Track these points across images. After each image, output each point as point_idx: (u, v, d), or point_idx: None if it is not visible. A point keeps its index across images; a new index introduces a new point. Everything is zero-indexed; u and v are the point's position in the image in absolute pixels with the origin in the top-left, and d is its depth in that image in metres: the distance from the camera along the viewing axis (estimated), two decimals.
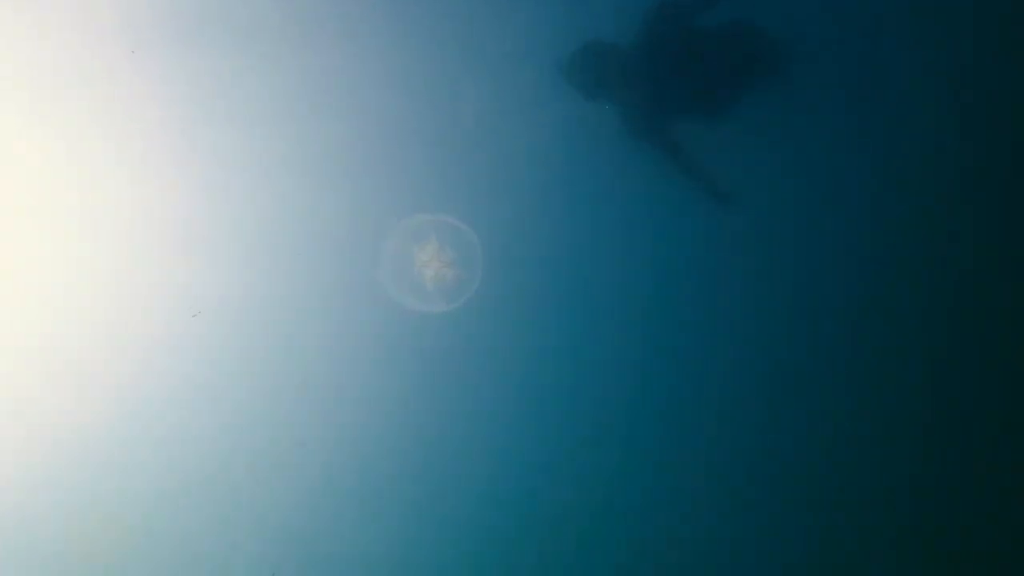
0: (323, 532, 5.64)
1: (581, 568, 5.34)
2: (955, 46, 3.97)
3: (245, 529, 5.62)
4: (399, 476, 5.44)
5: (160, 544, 5.58)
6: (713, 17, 3.53)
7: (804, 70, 3.85)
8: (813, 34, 3.78)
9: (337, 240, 4.79)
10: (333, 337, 5.08)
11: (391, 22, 4.36)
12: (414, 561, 5.59)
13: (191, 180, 4.75)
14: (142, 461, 5.38)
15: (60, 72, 4.44)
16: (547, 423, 5.14)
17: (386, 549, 5.56)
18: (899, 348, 4.42)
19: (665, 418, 4.97)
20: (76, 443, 5.31)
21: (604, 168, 4.31)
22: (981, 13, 3.89)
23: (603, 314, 4.83)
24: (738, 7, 3.57)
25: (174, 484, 5.48)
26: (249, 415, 5.36)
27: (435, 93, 4.45)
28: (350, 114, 4.61)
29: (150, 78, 4.53)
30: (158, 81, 4.54)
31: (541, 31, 3.86)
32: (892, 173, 4.20)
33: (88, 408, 5.22)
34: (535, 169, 4.43)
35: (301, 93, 4.59)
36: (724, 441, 4.83)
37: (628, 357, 4.87)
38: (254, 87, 4.60)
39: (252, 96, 4.60)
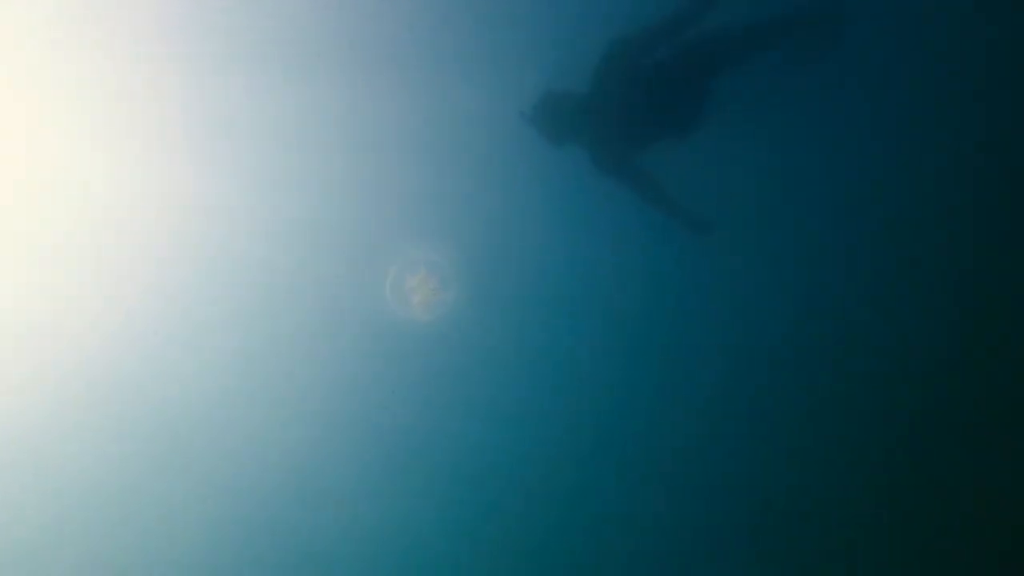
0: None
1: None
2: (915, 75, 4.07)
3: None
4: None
5: None
6: (662, 52, 3.70)
7: (768, 96, 4.00)
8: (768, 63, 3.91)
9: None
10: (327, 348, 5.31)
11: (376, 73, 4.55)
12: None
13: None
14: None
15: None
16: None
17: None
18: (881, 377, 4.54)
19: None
20: None
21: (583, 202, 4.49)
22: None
23: (581, 341, 5.05)
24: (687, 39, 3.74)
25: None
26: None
27: (416, 145, 4.68)
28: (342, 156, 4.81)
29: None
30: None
31: (510, 79, 4.07)
32: (862, 199, 4.32)
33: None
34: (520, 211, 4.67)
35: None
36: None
37: (602, 382, 5.09)
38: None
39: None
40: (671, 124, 3.76)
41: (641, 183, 3.79)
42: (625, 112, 3.68)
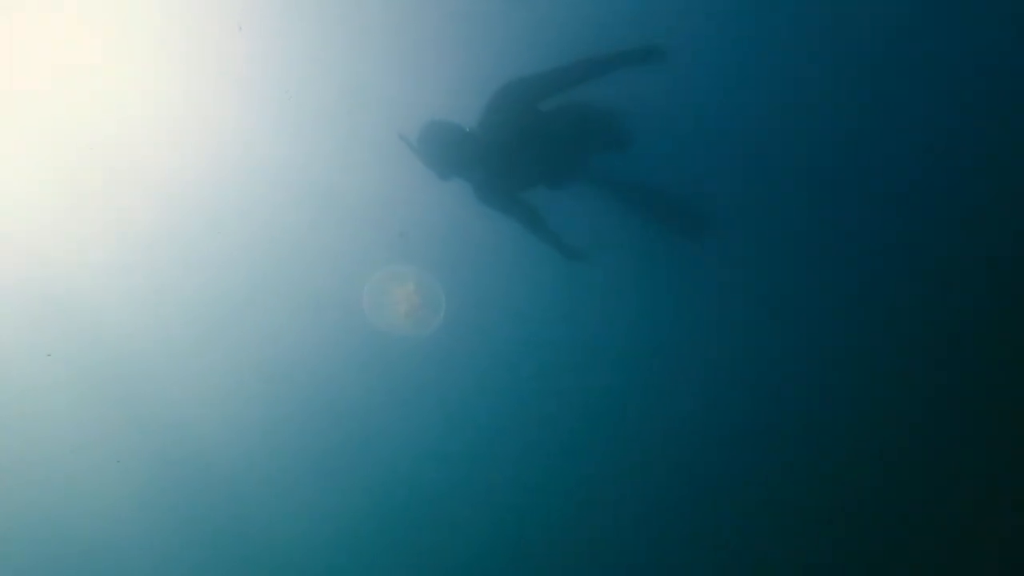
0: None
1: None
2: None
3: None
4: None
5: None
6: (546, 105, 3.88)
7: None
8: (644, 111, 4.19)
9: None
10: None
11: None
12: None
13: None
14: None
15: None
16: None
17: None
18: None
19: None
20: None
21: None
22: None
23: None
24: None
25: None
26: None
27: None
28: None
29: None
30: None
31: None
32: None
33: None
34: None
35: None
36: None
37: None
38: None
39: None
40: (546, 173, 3.96)
41: (521, 215, 3.98)
42: (506, 153, 3.77)
